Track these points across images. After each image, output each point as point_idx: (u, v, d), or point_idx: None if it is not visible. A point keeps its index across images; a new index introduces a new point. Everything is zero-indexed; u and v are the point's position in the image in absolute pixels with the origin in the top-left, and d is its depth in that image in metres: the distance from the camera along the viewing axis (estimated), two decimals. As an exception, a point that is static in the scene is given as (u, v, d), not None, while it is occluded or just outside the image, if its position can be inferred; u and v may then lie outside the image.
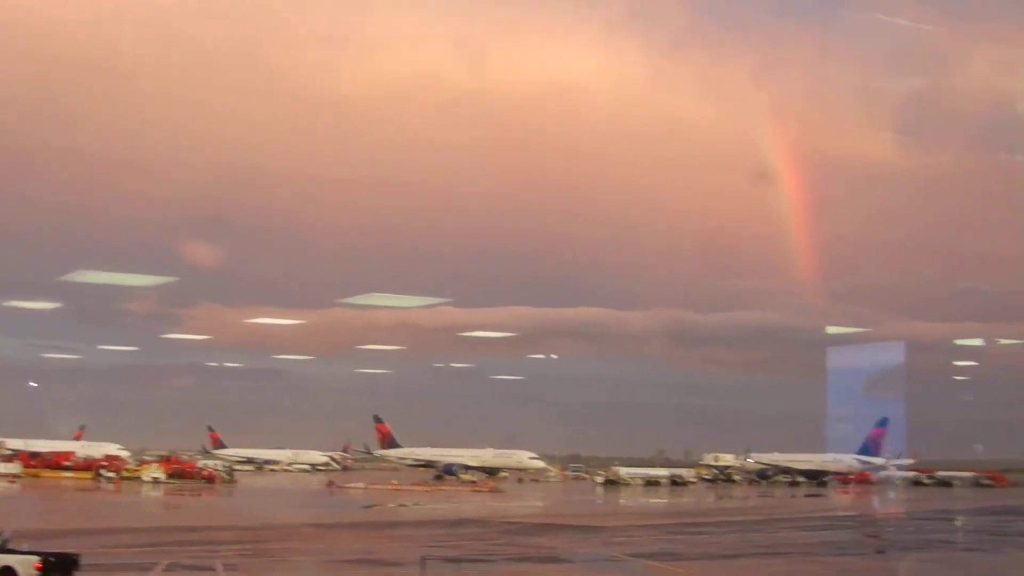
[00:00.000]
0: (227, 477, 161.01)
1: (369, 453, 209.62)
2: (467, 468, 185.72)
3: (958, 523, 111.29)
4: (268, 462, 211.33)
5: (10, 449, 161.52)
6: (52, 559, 46.52)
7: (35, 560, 47.04)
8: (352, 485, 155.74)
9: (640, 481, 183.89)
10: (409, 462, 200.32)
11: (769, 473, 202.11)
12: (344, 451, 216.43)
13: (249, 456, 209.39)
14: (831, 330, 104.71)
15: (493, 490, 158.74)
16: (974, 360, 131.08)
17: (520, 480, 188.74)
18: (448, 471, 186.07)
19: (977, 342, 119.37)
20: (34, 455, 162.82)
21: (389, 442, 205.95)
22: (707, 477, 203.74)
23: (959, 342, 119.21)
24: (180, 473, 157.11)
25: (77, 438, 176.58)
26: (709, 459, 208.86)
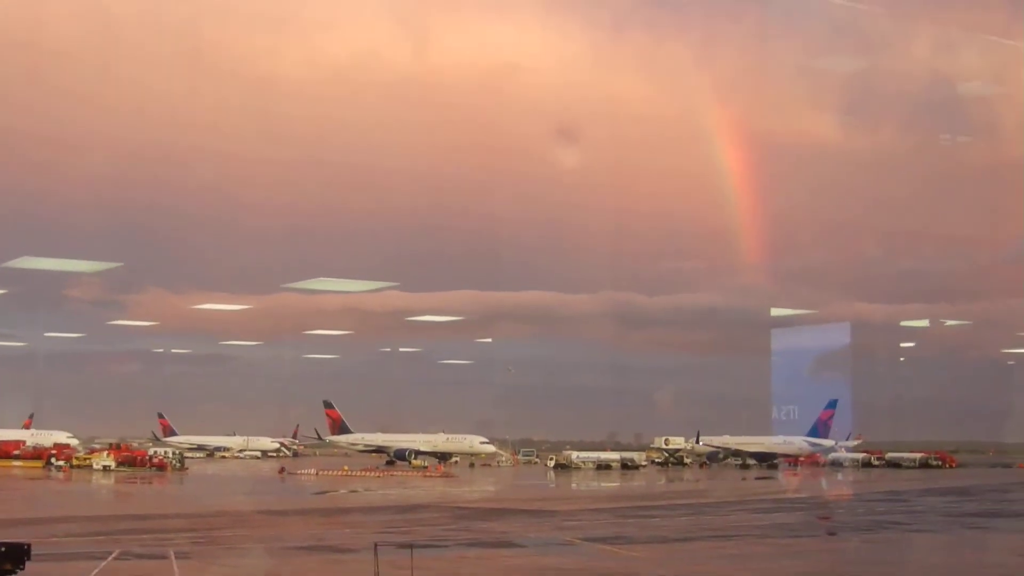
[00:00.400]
0: (178, 464, 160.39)
1: (320, 439, 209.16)
2: (418, 453, 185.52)
3: (908, 504, 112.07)
4: (219, 449, 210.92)
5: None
6: (2, 548, 46.08)
7: (-15, 550, 46.56)
8: (303, 471, 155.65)
9: (591, 465, 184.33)
10: (360, 448, 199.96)
11: (719, 456, 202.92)
12: (293, 437, 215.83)
13: (199, 443, 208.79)
14: (776, 312, 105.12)
15: (445, 475, 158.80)
16: (920, 340, 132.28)
17: (471, 465, 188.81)
18: (399, 456, 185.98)
19: (923, 323, 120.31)
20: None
21: (340, 427, 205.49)
22: (658, 460, 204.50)
23: (905, 323, 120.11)
24: (130, 461, 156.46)
25: (26, 427, 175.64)
26: (660, 442, 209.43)
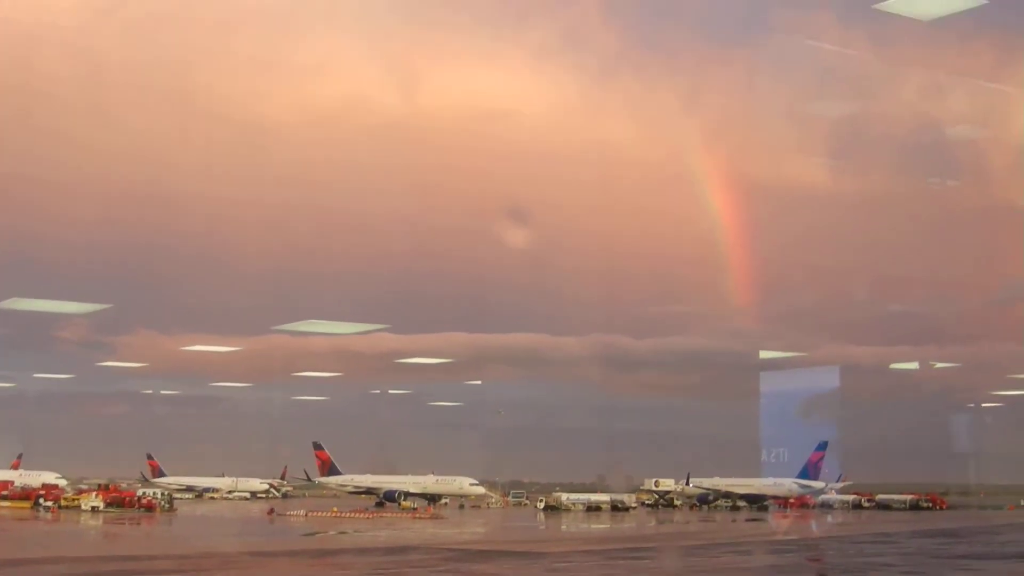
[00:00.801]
0: (167, 505, 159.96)
1: (309, 480, 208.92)
2: (408, 495, 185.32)
3: (898, 545, 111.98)
4: (208, 490, 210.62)
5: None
6: None
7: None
8: (293, 513, 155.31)
9: (581, 507, 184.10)
10: (350, 489, 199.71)
11: (709, 498, 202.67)
12: (282, 478, 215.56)
13: (189, 484, 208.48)
14: (765, 354, 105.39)
15: (434, 516, 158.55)
16: (908, 383, 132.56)
17: (461, 506, 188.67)
18: (389, 498, 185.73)
19: (912, 365, 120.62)
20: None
21: (329, 469, 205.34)
22: (648, 502, 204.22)
23: (894, 366, 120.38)
24: (119, 502, 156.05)
25: (15, 467, 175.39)
26: (650, 484, 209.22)
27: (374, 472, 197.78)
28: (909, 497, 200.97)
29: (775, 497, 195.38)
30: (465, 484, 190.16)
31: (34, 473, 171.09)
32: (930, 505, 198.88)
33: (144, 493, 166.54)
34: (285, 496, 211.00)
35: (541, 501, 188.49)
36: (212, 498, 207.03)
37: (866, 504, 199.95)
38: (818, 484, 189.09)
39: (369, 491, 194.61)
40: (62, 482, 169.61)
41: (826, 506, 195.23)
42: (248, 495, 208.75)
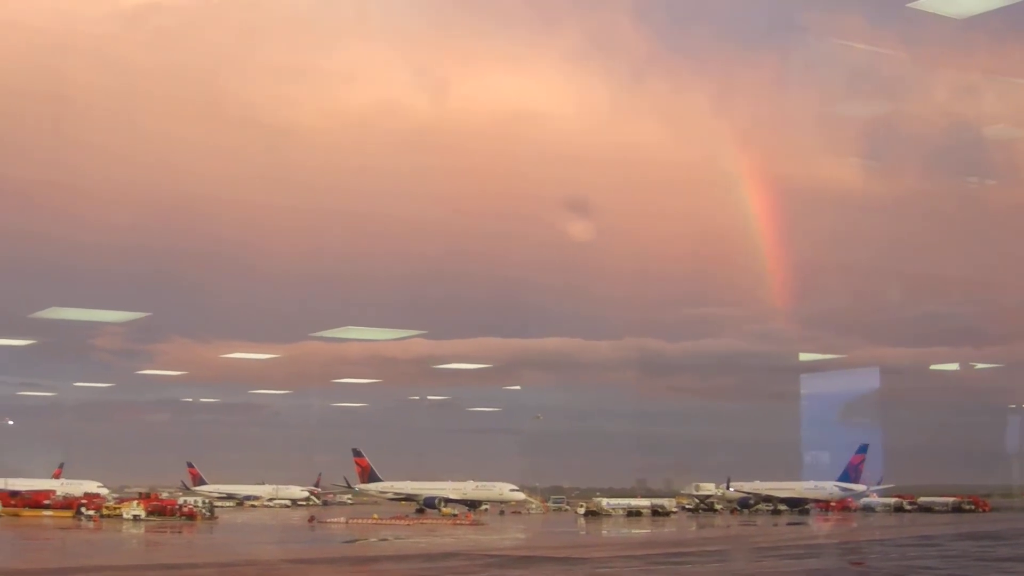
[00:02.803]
0: (207, 513, 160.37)
1: (349, 487, 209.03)
2: (448, 501, 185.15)
3: (940, 548, 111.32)
4: (248, 498, 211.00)
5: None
6: None
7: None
8: (333, 520, 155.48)
9: (622, 512, 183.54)
10: (390, 496, 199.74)
11: (750, 502, 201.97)
12: (316, 485, 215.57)
13: (229, 492, 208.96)
14: (804, 356, 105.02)
15: (474, 523, 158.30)
16: (949, 384, 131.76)
17: (501, 512, 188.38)
18: (429, 504, 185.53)
19: (952, 366, 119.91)
20: (13, 494, 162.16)
21: (369, 476, 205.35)
22: (688, 507, 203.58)
23: (934, 367, 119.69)
24: (160, 510, 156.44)
25: (56, 476, 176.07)
26: (690, 488, 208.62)
27: (414, 479, 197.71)
28: (951, 499, 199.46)
29: (816, 500, 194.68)
30: (505, 490, 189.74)
31: (75, 482, 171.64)
32: (972, 508, 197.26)
33: (185, 501, 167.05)
34: (325, 503, 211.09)
35: (581, 506, 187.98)
36: (253, 506, 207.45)
37: (908, 507, 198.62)
38: (859, 487, 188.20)
39: (409, 498, 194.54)
40: (104, 491, 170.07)
41: (867, 509, 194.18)
42: (288, 502, 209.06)
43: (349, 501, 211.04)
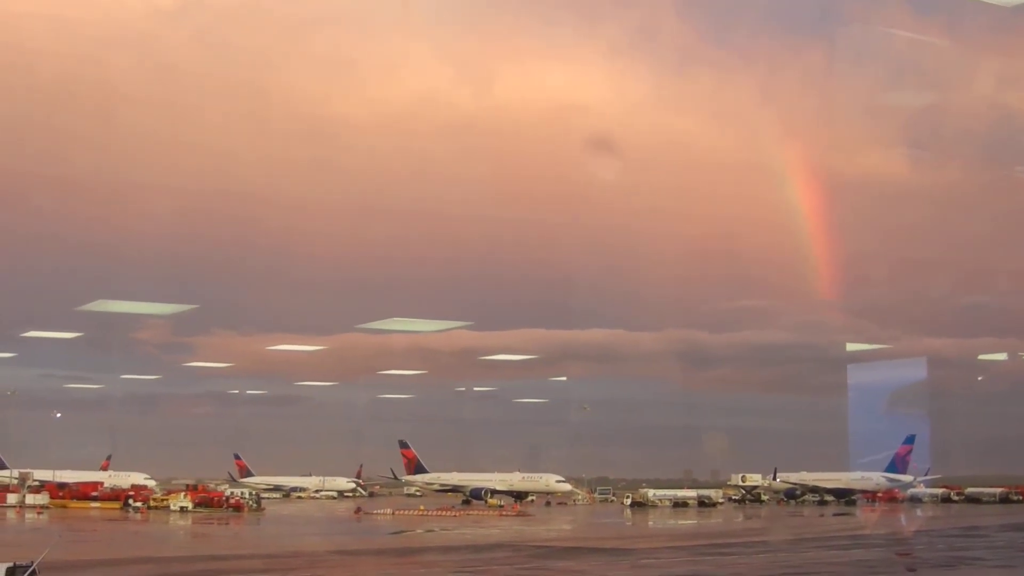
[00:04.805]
0: (254, 505, 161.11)
1: (395, 478, 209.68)
2: (494, 492, 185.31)
3: (988, 539, 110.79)
4: (295, 489, 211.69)
5: (38, 480, 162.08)
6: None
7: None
8: (379, 511, 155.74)
9: (668, 503, 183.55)
10: (436, 487, 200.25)
11: (797, 492, 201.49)
12: (357, 477, 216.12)
13: (276, 484, 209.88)
14: (850, 347, 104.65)
15: (521, 514, 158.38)
16: (997, 374, 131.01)
17: (548, 503, 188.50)
18: (475, 495, 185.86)
19: (1000, 356, 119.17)
20: (61, 486, 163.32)
21: (416, 467, 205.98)
22: (735, 497, 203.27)
23: (982, 357, 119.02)
24: (207, 502, 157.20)
25: (104, 468, 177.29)
26: (736, 479, 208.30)
27: (460, 470, 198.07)
28: (998, 490, 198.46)
29: (863, 491, 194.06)
30: (551, 481, 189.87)
31: (123, 474, 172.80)
32: (1020, 498, 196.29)
33: (232, 493, 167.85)
34: (371, 495, 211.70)
35: (627, 497, 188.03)
36: (299, 497, 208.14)
37: (955, 497, 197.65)
38: (906, 478, 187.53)
39: (455, 489, 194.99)
40: (151, 483, 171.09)
41: (915, 500, 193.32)
42: (335, 494, 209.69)
43: (407, 492, 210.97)
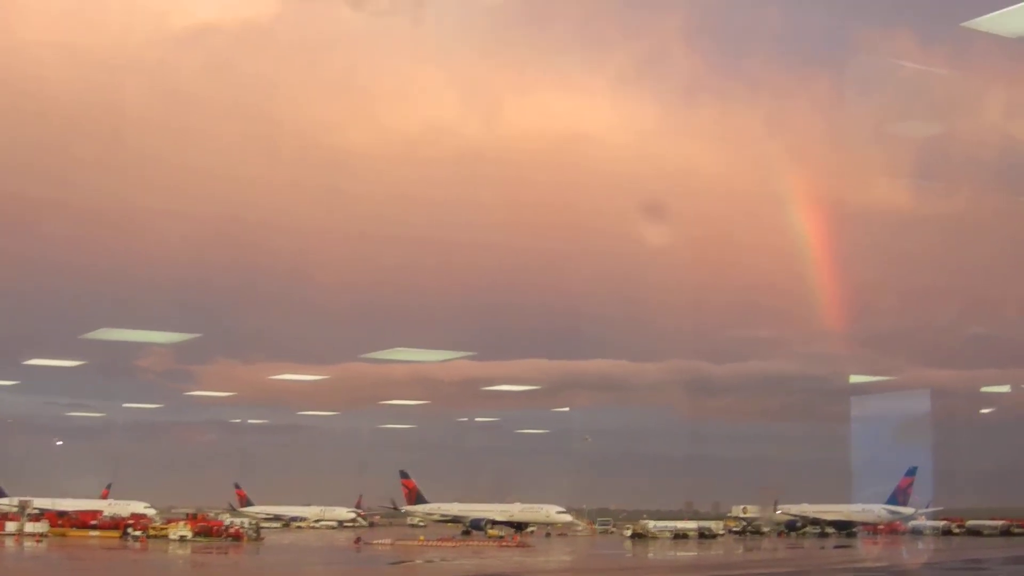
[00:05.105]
0: (254, 535, 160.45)
1: (396, 508, 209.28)
2: (494, 523, 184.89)
3: (989, 572, 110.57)
4: (295, 519, 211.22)
5: (37, 508, 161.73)
6: None
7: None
8: (379, 541, 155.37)
9: (668, 534, 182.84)
10: (436, 517, 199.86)
11: (798, 524, 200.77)
12: (357, 507, 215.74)
13: (276, 513, 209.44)
14: (853, 379, 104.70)
15: (521, 544, 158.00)
16: (1001, 406, 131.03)
17: (548, 534, 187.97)
18: (475, 526, 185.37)
19: (1004, 388, 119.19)
20: (61, 514, 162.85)
21: (416, 497, 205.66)
22: (736, 529, 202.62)
23: (985, 389, 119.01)
24: (207, 531, 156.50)
25: (104, 496, 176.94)
26: (737, 511, 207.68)
27: (461, 500, 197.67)
28: (1000, 523, 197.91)
29: (864, 523, 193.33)
30: (552, 512, 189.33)
31: (123, 503, 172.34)
32: (1022, 531, 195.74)
33: (232, 522, 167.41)
34: (372, 525, 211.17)
35: (628, 528, 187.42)
36: (299, 527, 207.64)
37: (956, 530, 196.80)
38: (907, 510, 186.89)
39: (456, 519, 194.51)
40: (151, 511, 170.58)
41: (916, 532, 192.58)
42: (335, 524, 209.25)
43: (411, 522, 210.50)
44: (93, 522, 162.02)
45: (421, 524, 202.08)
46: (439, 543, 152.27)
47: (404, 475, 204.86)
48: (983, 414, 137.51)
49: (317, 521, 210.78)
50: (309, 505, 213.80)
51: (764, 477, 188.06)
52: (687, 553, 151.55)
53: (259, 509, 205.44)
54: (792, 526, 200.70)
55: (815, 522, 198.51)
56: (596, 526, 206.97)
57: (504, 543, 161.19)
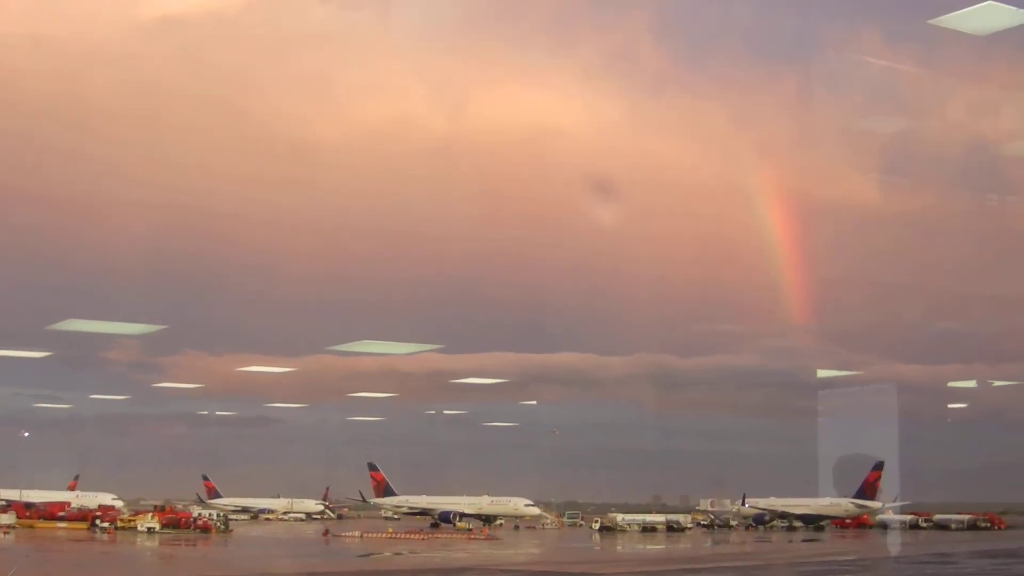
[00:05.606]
0: (222, 527, 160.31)
1: (364, 501, 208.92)
2: (463, 516, 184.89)
3: (956, 566, 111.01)
4: (263, 511, 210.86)
5: (4, 500, 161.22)
6: None
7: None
8: (347, 533, 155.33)
9: (637, 527, 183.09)
10: (405, 510, 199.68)
11: (765, 518, 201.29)
12: (323, 499, 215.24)
13: (244, 505, 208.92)
14: (821, 373, 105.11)
15: (489, 537, 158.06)
16: (967, 401, 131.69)
17: (516, 527, 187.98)
18: (444, 519, 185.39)
19: (970, 384, 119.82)
20: (28, 506, 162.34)
21: (384, 490, 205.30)
22: (704, 523, 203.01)
23: (952, 384, 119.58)
24: (175, 523, 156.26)
25: (71, 488, 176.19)
26: (705, 504, 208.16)
27: (429, 493, 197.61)
28: (967, 517, 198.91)
29: (832, 517, 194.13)
30: (520, 505, 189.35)
31: (90, 494, 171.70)
32: (988, 525, 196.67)
33: (200, 514, 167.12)
34: (340, 517, 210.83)
35: (596, 522, 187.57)
36: (268, 519, 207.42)
37: (923, 524, 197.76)
38: (875, 504, 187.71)
39: (424, 512, 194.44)
40: (119, 503, 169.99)
41: (883, 526, 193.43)
42: (304, 516, 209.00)
43: (385, 515, 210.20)
44: (61, 513, 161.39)
45: (395, 517, 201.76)
46: (407, 536, 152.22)
47: (372, 467, 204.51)
48: (952, 409, 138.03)
49: (285, 513, 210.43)
50: (277, 497, 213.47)
51: (731, 471, 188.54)
52: (655, 546, 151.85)
53: (227, 501, 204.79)
54: (760, 519, 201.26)
55: (783, 515, 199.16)
56: (564, 519, 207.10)
57: (472, 536, 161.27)
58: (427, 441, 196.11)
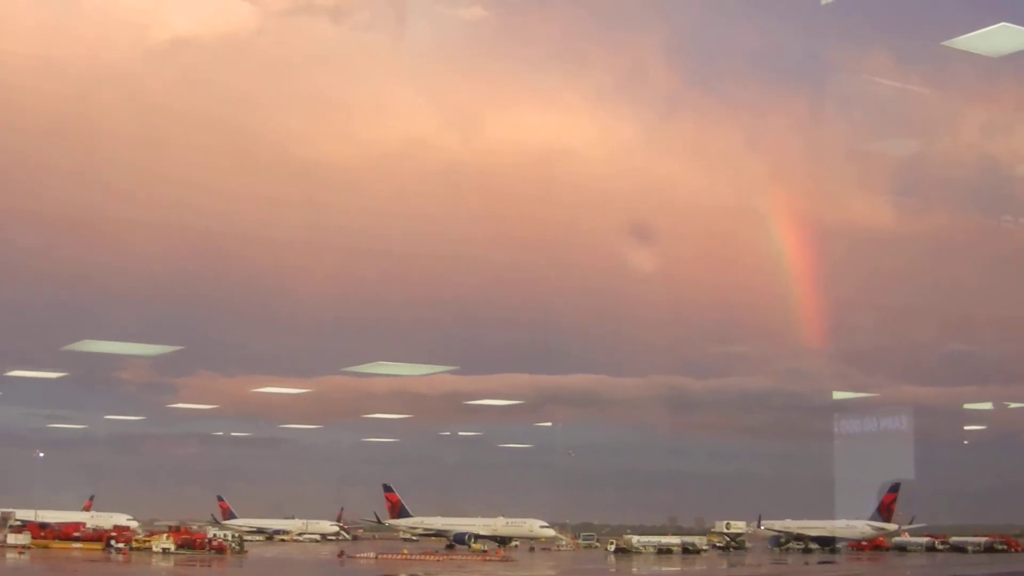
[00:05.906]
0: (237, 547, 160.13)
1: (379, 522, 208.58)
2: (478, 537, 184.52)
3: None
4: (278, 532, 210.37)
5: (19, 520, 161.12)
6: None
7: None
8: (362, 555, 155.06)
9: (652, 549, 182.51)
10: (420, 531, 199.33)
11: (781, 540, 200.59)
12: (338, 520, 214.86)
13: (259, 526, 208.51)
14: (836, 395, 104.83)
15: (505, 559, 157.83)
16: (983, 423, 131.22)
17: (531, 549, 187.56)
18: (459, 540, 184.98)
19: (986, 406, 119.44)
20: (43, 526, 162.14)
21: (399, 511, 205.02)
22: (719, 545, 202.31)
23: (968, 406, 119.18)
24: (190, 543, 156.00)
25: (86, 509, 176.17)
26: (721, 526, 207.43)
27: (444, 514, 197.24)
28: (983, 539, 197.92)
29: (848, 539, 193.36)
30: (535, 526, 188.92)
31: (105, 515, 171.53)
32: (1005, 547, 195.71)
33: (215, 535, 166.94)
34: (355, 538, 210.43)
35: (611, 543, 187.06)
36: (283, 540, 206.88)
37: (940, 546, 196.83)
38: (891, 526, 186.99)
39: (439, 533, 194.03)
40: (134, 524, 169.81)
41: (899, 548, 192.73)
42: (319, 537, 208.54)
43: (404, 536, 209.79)
44: (76, 534, 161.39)
45: (414, 539, 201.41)
46: (423, 557, 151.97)
47: (387, 489, 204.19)
48: (969, 431, 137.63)
49: (300, 534, 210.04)
50: (292, 518, 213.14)
51: (746, 493, 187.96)
52: (671, 568, 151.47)
53: (242, 522, 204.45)
54: (776, 541, 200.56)
55: (799, 538, 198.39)
56: (580, 541, 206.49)
57: (488, 557, 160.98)
58: (442, 462, 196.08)
